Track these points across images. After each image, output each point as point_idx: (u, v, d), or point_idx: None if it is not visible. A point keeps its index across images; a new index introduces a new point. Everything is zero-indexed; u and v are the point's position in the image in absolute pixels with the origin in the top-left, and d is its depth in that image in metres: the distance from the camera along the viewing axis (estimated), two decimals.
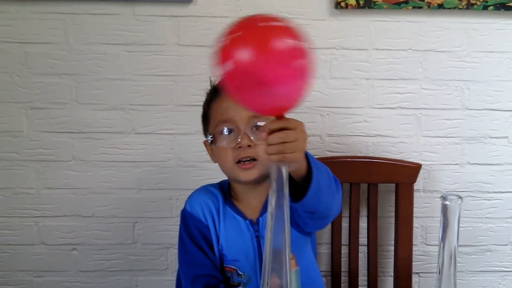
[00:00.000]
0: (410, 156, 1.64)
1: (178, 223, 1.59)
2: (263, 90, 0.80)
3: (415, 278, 1.71)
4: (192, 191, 1.58)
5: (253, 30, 0.81)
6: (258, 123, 1.17)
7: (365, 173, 1.57)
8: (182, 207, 1.60)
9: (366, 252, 1.61)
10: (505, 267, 1.72)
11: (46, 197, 1.63)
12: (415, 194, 1.59)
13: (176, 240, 1.60)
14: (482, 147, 1.65)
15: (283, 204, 0.83)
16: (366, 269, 1.60)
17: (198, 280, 1.19)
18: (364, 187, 1.60)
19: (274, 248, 0.84)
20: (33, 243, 1.65)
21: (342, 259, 1.61)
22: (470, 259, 1.70)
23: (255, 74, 0.78)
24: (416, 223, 1.63)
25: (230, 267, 1.24)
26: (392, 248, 1.63)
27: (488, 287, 1.73)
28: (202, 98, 1.55)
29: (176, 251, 1.60)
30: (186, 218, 1.26)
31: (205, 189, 1.30)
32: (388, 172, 1.56)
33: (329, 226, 1.60)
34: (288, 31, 0.81)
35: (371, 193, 1.58)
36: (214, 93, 1.25)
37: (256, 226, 1.25)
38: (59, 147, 1.60)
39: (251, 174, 1.19)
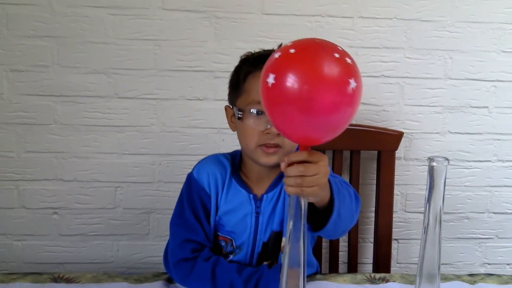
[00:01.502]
0: (392, 124, 1.85)
1: (160, 188, 1.82)
2: (301, 115, 0.87)
3: (394, 244, 1.93)
4: (178, 156, 1.81)
5: (308, 51, 0.89)
6: None
7: (348, 140, 1.74)
8: (164, 172, 1.82)
9: None
10: (482, 235, 1.97)
11: (27, 160, 1.79)
12: (396, 162, 1.80)
13: (158, 205, 1.84)
14: (463, 117, 1.87)
15: (300, 229, 0.94)
16: (347, 235, 1.82)
17: (187, 244, 1.32)
18: (346, 154, 1.80)
19: (291, 267, 0.94)
20: (13, 206, 1.82)
21: None
22: (448, 226, 1.93)
23: (299, 97, 0.85)
24: (396, 190, 1.84)
25: (226, 237, 1.39)
26: (373, 214, 1.85)
27: (465, 254, 1.98)
28: (186, 64, 1.76)
29: (158, 216, 1.85)
30: (191, 183, 1.38)
31: (216, 159, 1.41)
32: (371, 139, 1.77)
33: None
34: (342, 62, 0.88)
35: (354, 160, 1.78)
36: (254, 66, 1.29)
37: (258, 202, 1.38)
38: (41, 110, 1.76)
39: (272, 159, 1.30)
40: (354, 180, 1.79)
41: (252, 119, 1.28)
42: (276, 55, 0.92)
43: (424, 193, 1.93)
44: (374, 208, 1.85)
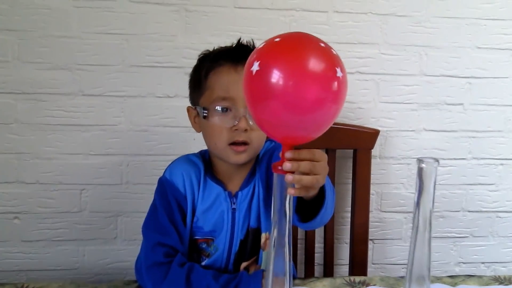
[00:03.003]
0: (367, 122, 1.78)
1: (128, 189, 1.73)
2: (285, 108, 0.82)
3: (369, 245, 1.85)
4: (147, 156, 1.71)
5: (294, 41, 0.86)
6: None
7: (323, 138, 1.68)
8: (132, 173, 1.73)
9: None
10: (457, 233, 1.91)
11: None
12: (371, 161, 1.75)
13: (126, 208, 1.75)
14: (438, 114, 1.82)
15: (285, 235, 0.90)
16: (323, 236, 1.75)
17: (160, 247, 1.25)
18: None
19: (276, 275, 0.90)
20: None
21: None
22: None
23: (284, 87, 0.81)
24: (371, 189, 1.77)
25: (207, 238, 1.33)
26: (348, 214, 1.79)
27: (440, 253, 1.92)
28: (155, 59, 1.67)
29: (126, 219, 1.75)
30: (165, 186, 1.32)
31: (187, 159, 1.36)
32: (347, 137, 1.70)
33: None
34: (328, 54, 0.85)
35: (329, 158, 1.70)
36: (215, 62, 1.27)
37: (234, 198, 1.33)
38: (0, 108, 1.64)
39: (242, 157, 1.27)
40: (330, 180, 1.71)
41: (218, 116, 1.25)
42: (261, 45, 0.87)
43: (400, 192, 1.90)
44: (349, 208, 1.78)
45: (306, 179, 0.93)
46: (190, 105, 1.36)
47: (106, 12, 1.64)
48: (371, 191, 1.80)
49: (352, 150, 1.75)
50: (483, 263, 1.95)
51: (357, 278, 1.35)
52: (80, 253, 1.77)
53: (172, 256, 1.26)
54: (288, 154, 0.90)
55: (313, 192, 1.01)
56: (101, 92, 1.68)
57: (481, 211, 1.91)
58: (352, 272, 1.76)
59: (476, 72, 1.82)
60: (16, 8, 1.60)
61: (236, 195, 1.34)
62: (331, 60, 0.85)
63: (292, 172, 0.90)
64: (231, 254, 1.34)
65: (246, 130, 1.23)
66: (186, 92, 1.67)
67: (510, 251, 1.95)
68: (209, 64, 1.28)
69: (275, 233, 0.91)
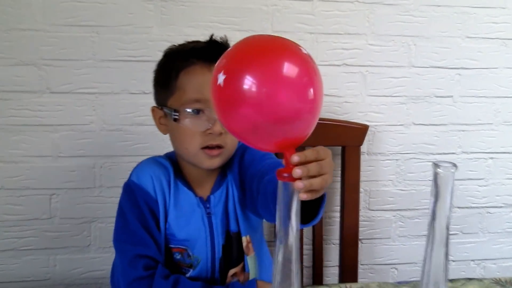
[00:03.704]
0: (355, 116, 1.68)
1: (102, 194, 1.60)
2: (257, 118, 0.75)
3: None
4: (122, 157, 1.58)
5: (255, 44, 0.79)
6: None
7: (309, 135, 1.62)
8: (106, 176, 1.59)
9: None
10: None
11: None
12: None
13: (100, 213, 1.61)
14: (427, 107, 1.73)
15: (293, 250, 0.81)
16: (311, 238, 1.65)
17: (138, 260, 1.15)
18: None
19: None
20: None
21: None
22: (412, 224, 1.80)
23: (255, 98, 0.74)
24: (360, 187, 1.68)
25: (179, 248, 1.22)
26: (337, 214, 1.69)
27: None
28: (129, 53, 1.53)
29: (101, 225, 1.61)
30: (133, 191, 1.20)
31: (155, 160, 1.26)
32: (334, 134, 1.59)
33: None
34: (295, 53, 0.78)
35: None
36: (187, 60, 1.18)
37: (207, 203, 1.24)
38: None
39: (216, 162, 1.19)
40: None
41: (190, 119, 1.16)
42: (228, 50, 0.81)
43: (389, 189, 1.81)
44: (338, 207, 1.69)
45: (316, 182, 0.81)
46: (154, 105, 1.26)
47: (74, 3, 1.50)
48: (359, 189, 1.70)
49: (340, 147, 1.64)
50: (473, 260, 1.88)
51: (354, 285, 1.24)
52: (51, 262, 1.64)
53: (153, 268, 1.15)
54: (295, 158, 0.79)
55: (321, 193, 0.89)
56: (70, 89, 1.54)
57: (470, 207, 1.83)
58: (342, 275, 1.67)
59: (466, 63, 1.73)
60: None
61: (208, 200, 1.25)
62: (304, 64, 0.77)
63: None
64: (215, 261, 1.24)
65: (221, 133, 1.16)
66: None
67: (500, 248, 1.88)
68: (180, 63, 1.19)
69: (281, 248, 0.81)
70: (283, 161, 0.81)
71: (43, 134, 1.55)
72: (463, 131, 1.77)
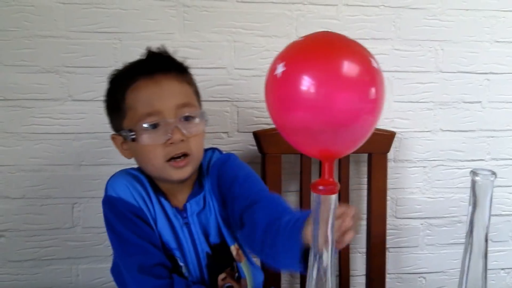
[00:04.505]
0: (381, 123, 1.60)
1: None
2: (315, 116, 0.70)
3: None
4: None
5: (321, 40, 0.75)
6: (188, 113, 1.13)
7: None
8: None
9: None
10: None
11: None
12: None
13: None
14: (455, 113, 1.67)
15: (328, 268, 0.79)
16: None
17: (145, 271, 1.11)
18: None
19: None
20: None
21: None
22: (440, 232, 1.73)
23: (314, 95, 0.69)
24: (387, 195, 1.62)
25: (169, 254, 1.19)
26: (362, 223, 1.63)
27: (458, 260, 1.78)
28: None
29: None
30: (115, 205, 1.15)
31: (127, 172, 1.22)
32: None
33: (297, 200, 1.59)
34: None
35: (342, 164, 1.55)
36: (130, 79, 1.16)
37: (183, 212, 1.21)
38: None
39: (185, 171, 1.16)
40: (343, 186, 1.56)
41: (148, 134, 1.13)
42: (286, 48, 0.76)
43: (416, 196, 1.74)
44: (365, 216, 1.62)
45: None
46: (113, 133, 1.23)
47: (96, 9, 1.46)
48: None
49: (366, 155, 1.58)
50: (503, 269, 1.80)
51: None
52: (73, 272, 1.59)
53: (164, 275, 1.13)
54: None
55: None
56: (92, 96, 1.49)
57: (500, 215, 1.76)
58: (369, 284, 1.61)
59: (495, 68, 1.67)
60: None
61: (184, 208, 1.21)
62: (365, 63, 0.74)
63: None
64: (202, 268, 1.21)
65: (182, 140, 1.13)
66: None
67: None
68: (124, 83, 1.17)
69: (315, 263, 0.77)
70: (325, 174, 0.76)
71: (65, 142, 1.52)
72: (492, 137, 1.71)
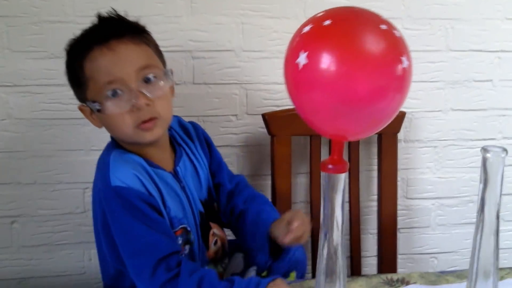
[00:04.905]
0: None
1: None
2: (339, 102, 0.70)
3: None
4: None
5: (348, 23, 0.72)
6: (149, 75, 1.11)
7: None
8: None
9: (349, 209, 1.58)
10: None
11: None
12: None
13: None
14: (465, 92, 1.65)
15: (339, 247, 0.80)
16: (349, 228, 1.58)
17: (158, 267, 1.08)
18: None
19: None
20: None
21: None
22: (452, 212, 1.73)
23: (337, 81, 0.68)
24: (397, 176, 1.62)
25: (181, 228, 1.19)
26: (374, 203, 1.63)
27: (471, 240, 1.79)
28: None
29: None
30: (123, 196, 1.11)
31: (123, 159, 1.16)
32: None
33: (307, 182, 1.60)
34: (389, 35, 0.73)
35: (352, 146, 1.54)
36: (84, 49, 1.13)
37: (178, 176, 1.23)
38: None
39: (156, 132, 1.15)
40: (353, 167, 1.55)
41: (112, 102, 1.11)
42: (306, 28, 0.72)
43: (427, 177, 1.73)
44: (375, 197, 1.62)
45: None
46: (79, 104, 1.22)
47: None
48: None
49: (376, 135, 1.57)
50: None
51: (395, 276, 1.19)
52: (86, 256, 1.61)
53: (176, 266, 1.09)
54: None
55: None
56: None
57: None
58: (380, 265, 1.61)
59: (506, 46, 1.65)
60: None
61: (176, 172, 1.23)
62: (394, 45, 0.74)
63: None
64: (197, 228, 1.24)
65: (147, 104, 1.11)
66: (195, 77, 1.51)
67: None
68: (80, 54, 1.15)
69: (326, 242, 0.78)
70: (333, 154, 0.75)
71: (75, 127, 1.51)
72: (503, 115, 1.69)
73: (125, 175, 1.13)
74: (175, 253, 1.11)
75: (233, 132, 1.58)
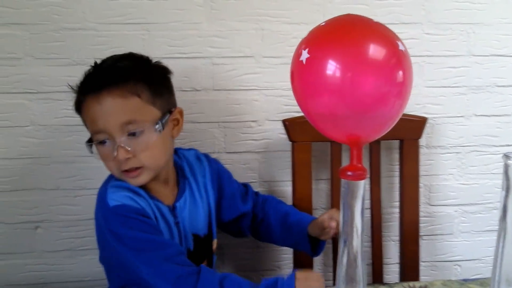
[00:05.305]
0: (412, 109, 1.57)
1: None
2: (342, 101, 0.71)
3: None
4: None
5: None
6: (133, 130, 1.13)
7: None
8: None
9: (370, 216, 1.55)
10: None
11: (1, 169, 1.50)
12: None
13: None
14: (488, 97, 1.62)
15: (358, 254, 0.78)
16: (370, 234, 1.56)
17: (168, 260, 1.12)
18: (365, 145, 1.57)
19: None
20: None
21: None
22: (475, 218, 1.68)
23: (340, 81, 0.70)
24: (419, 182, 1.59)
25: None
26: (396, 210, 1.60)
27: (493, 248, 1.75)
28: (179, 50, 1.49)
29: None
30: (119, 212, 1.16)
31: (118, 187, 1.20)
32: (392, 128, 1.53)
33: (328, 188, 1.58)
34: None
35: (373, 151, 1.51)
36: (82, 95, 1.19)
37: (174, 211, 1.25)
38: (14, 110, 1.47)
39: (141, 179, 1.18)
40: (375, 174, 1.52)
41: (100, 148, 1.19)
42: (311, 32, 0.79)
43: (450, 183, 1.69)
44: (397, 203, 1.59)
45: None
46: None
47: (123, 1, 1.45)
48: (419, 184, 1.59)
49: (398, 141, 1.54)
50: None
51: (417, 284, 1.17)
52: None
53: (186, 262, 1.15)
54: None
55: None
56: None
57: None
58: (402, 273, 1.57)
59: None
60: (24, 0, 1.42)
61: (174, 208, 1.26)
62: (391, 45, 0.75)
63: None
64: None
65: (128, 158, 1.14)
66: (215, 84, 1.51)
67: None
68: (77, 98, 1.22)
69: (345, 250, 0.76)
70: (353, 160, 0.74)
71: None
72: None
73: (121, 195, 1.18)
74: (183, 253, 1.19)
75: (253, 138, 1.57)
